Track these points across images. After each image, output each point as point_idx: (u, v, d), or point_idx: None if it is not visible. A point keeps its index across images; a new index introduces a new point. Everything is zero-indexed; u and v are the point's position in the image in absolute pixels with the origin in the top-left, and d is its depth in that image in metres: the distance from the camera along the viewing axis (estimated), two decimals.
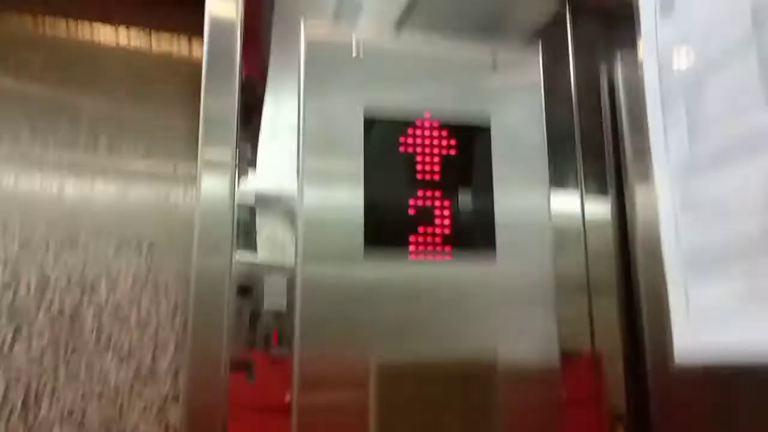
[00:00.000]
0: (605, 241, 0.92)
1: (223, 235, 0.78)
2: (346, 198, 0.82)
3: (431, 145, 0.85)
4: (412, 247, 0.82)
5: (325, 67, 0.85)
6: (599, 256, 0.92)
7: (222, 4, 0.86)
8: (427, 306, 0.82)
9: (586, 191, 0.94)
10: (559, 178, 0.94)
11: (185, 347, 0.76)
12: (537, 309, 0.86)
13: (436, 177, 0.85)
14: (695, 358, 0.67)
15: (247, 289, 0.79)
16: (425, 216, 0.83)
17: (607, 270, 0.91)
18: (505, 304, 0.85)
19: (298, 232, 0.80)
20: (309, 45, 0.86)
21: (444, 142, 0.86)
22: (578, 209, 0.94)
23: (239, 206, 0.80)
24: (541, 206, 0.89)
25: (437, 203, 0.84)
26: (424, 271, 0.83)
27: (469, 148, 0.87)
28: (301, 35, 0.86)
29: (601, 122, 0.96)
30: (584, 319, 0.90)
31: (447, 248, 0.83)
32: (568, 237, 0.93)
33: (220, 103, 0.82)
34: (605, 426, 0.88)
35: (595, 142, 0.95)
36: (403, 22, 0.94)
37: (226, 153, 0.81)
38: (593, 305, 0.90)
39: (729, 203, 0.63)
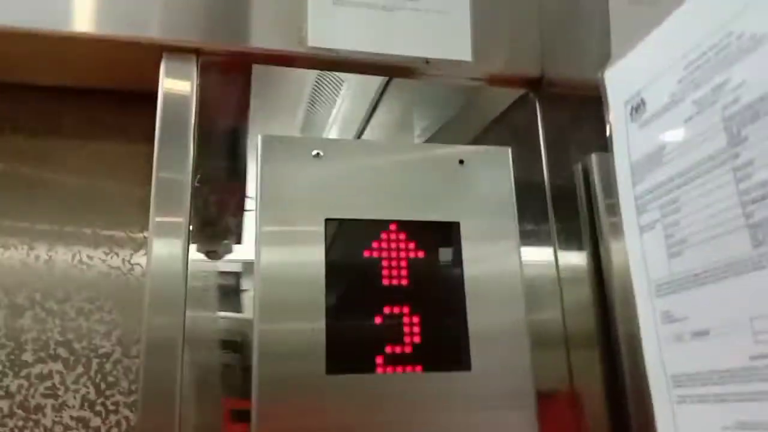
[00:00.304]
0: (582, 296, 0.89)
1: (176, 297, 0.77)
2: (306, 321, 0.77)
3: (398, 253, 0.81)
4: (379, 364, 0.77)
5: (283, 163, 0.82)
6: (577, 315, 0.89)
7: (176, 81, 0.86)
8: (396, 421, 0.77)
9: (560, 250, 0.92)
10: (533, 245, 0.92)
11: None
12: (516, 412, 0.80)
13: (404, 283, 0.80)
14: None
15: (233, 344, 0.80)
16: (393, 331, 0.78)
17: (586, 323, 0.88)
18: (483, 411, 0.79)
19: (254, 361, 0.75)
20: (265, 140, 0.82)
21: (411, 247, 0.82)
22: (558, 293, 0.91)
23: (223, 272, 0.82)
24: (516, 300, 0.84)
25: (405, 314, 0.79)
26: (393, 384, 0.77)
27: (438, 251, 0.83)
28: (259, 140, 0.82)
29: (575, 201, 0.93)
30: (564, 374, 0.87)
31: (417, 364, 0.78)
32: (547, 330, 0.89)
33: (172, 173, 0.82)
34: None
35: (568, 210, 0.93)
36: (365, 125, 0.93)
37: (179, 219, 0.80)
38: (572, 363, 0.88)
39: (712, 326, 0.59)
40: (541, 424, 0.81)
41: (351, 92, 1.06)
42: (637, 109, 0.70)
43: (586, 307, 0.89)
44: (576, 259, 0.92)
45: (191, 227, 0.81)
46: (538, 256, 0.95)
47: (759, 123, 0.53)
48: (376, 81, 1.02)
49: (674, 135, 0.64)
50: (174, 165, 0.83)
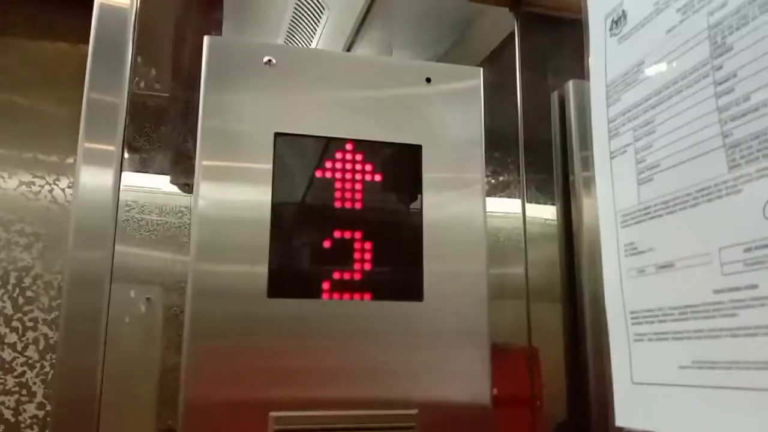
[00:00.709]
0: (548, 250, 0.86)
1: (104, 230, 0.73)
2: (248, 238, 0.71)
3: (353, 173, 0.75)
4: (325, 290, 0.72)
5: (231, 69, 0.74)
6: (541, 266, 0.86)
7: None
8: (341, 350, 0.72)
9: (530, 201, 0.88)
10: (501, 192, 0.87)
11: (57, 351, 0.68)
12: (468, 350, 0.76)
13: (357, 206, 0.75)
14: (637, 424, 0.59)
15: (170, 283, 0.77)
16: (342, 256, 0.73)
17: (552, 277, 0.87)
18: (431, 347, 0.75)
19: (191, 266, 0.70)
20: (212, 43, 0.74)
21: (368, 169, 0.76)
22: (520, 228, 0.86)
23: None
24: (477, 231, 0.79)
25: (357, 239, 0.74)
26: (339, 312, 0.73)
27: (396, 173, 0.77)
28: (205, 42, 0.75)
29: (550, 134, 0.88)
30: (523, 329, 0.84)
31: (366, 292, 0.73)
32: (509, 259, 0.86)
33: (105, 94, 0.76)
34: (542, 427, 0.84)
35: (541, 150, 0.88)
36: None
37: (111, 147, 0.75)
38: (532, 318, 0.85)
39: (678, 258, 0.54)
40: (496, 377, 0.77)
41: (331, 22, 0.99)
42: (618, 22, 0.64)
43: (552, 261, 0.85)
44: (546, 212, 0.88)
45: (125, 155, 0.75)
46: (507, 205, 0.91)
47: (746, 29, 0.47)
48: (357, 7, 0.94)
49: (654, 48, 0.57)
50: (108, 86, 0.75)
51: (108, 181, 0.73)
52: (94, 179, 0.73)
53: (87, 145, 0.73)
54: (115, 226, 0.72)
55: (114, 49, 0.76)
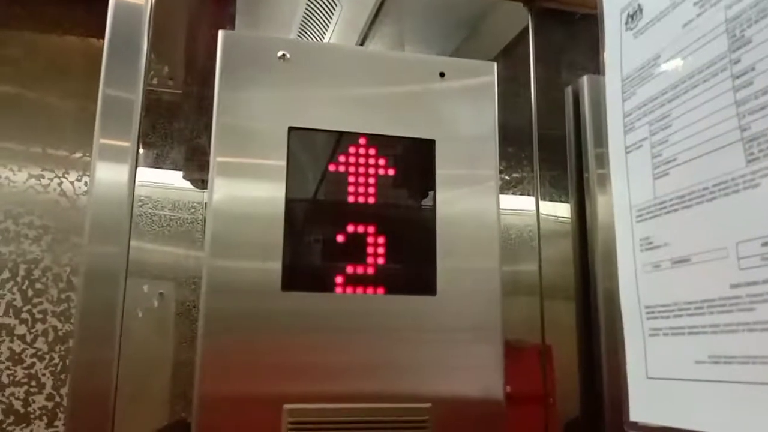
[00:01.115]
0: (562, 248, 0.86)
1: (120, 226, 0.73)
2: (262, 234, 0.71)
3: (366, 168, 0.75)
4: (339, 284, 0.72)
5: (245, 64, 0.74)
6: (555, 263, 0.86)
7: None
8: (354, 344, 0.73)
9: (543, 198, 0.87)
10: (514, 188, 0.87)
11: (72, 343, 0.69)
12: (481, 346, 0.76)
13: (371, 201, 0.75)
14: (651, 419, 0.59)
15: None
16: (356, 250, 0.73)
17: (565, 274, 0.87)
18: (444, 342, 0.75)
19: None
20: (227, 38, 0.75)
21: (381, 163, 0.76)
22: (534, 223, 0.86)
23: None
24: (490, 227, 0.79)
25: (370, 234, 0.74)
26: (352, 305, 0.73)
27: (409, 168, 0.77)
28: (219, 37, 0.75)
29: (564, 129, 0.88)
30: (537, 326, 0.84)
31: (380, 286, 0.73)
32: (522, 253, 0.86)
33: (120, 90, 0.76)
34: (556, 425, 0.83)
35: (556, 146, 0.88)
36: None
37: (126, 143, 0.74)
38: (546, 316, 0.85)
39: (694, 252, 0.54)
40: (509, 374, 0.77)
41: (344, 17, 0.99)
42: (633, 16, 0.63)
43: (566, 258, 0.85)
44: (560, 209, 0.88)
45: (140, 151, 0.76)
46: (520, 202, 0.91)
47: (765, 22, 0.47)
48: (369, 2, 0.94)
49: (670, 42, 0.57)
50: (123, 82, 0.76)
51: (123, 176, 0.73)
52: (110, 175, 0.73)
53: (102, 141, 0.73)
54: (130, 221, 0.73)
55: (129, 45, 0.76)
